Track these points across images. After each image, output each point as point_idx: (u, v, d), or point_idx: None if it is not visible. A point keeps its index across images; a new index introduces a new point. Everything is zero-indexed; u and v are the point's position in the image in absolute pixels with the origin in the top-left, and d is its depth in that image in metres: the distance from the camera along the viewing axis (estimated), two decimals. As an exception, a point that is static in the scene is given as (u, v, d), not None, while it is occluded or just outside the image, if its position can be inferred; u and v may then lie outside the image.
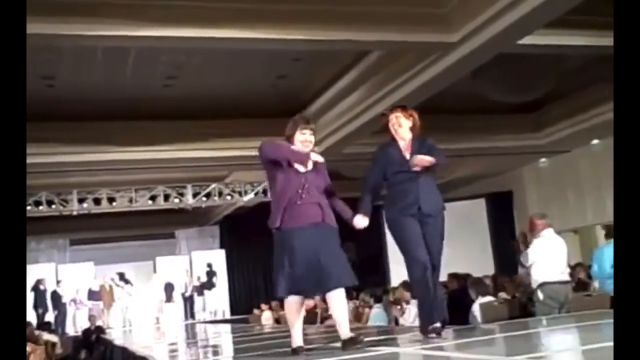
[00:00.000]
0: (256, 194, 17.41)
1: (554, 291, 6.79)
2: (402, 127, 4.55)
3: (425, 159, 4.33)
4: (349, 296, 12.99)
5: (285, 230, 4.11)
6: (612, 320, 5.28)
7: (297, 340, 4.23)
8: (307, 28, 8.76)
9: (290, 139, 4.39)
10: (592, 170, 15.78)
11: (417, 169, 4.36)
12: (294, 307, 4.29)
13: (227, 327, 12.78)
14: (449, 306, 7.01)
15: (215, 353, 6.96)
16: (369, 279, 18.22)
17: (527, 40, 9.17)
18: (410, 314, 8.61)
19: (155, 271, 20.46)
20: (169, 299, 19.84)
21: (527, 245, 7.10)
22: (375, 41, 9.29)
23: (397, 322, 9.33)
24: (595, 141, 15.46)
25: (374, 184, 4.63)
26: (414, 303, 7.92)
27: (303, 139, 4.35)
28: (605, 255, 7.26)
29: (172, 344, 9.08)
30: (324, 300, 14.31)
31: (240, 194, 17.37)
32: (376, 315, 10.00)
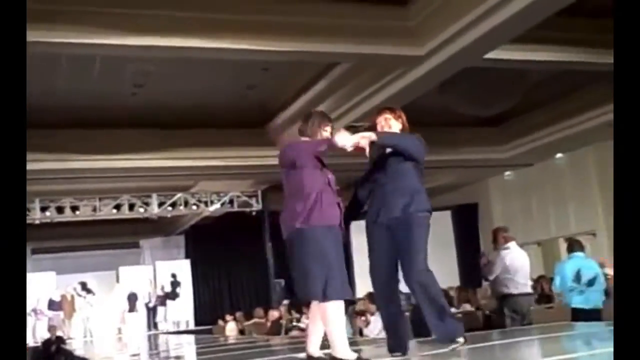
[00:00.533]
0: (222, 204, 17.32)
1: (516, 304, 6.88)
2: (392, 129, 4.28)
3: (351, 138, 3.92)
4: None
5: (317, 228, 3.78)
6: (572, 332, 5.35)
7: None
8: (275, 39, 8.76)
9: (313, 137, 4.04)
10: (556, 183, 16.03)
11: (349, 148, 3.92)
12: (342, 312, 3.87)
13: (191, 338, 12.66)
14: (415, 318, 7.05)
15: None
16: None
17: (492, 54, 9.30)
18: (376, 326, 8.61)
19: (118, 281, 20.19)
20: (131, 309, 19.59)
21: (488, 259, 7.19)
22: (343, 53, 9.33)
23: (361, 333, 9.34)
24: (558, 155, 15.71)
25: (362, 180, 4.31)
26: (379, 315, 7.94)
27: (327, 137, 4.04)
28: (567, 269, 7.37)
29: (135, 354, 8.96)
30: (290, 311, 14.30)
31: (206, 203, 17.27)
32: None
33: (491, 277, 7.02)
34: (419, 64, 9.61)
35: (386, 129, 4.28)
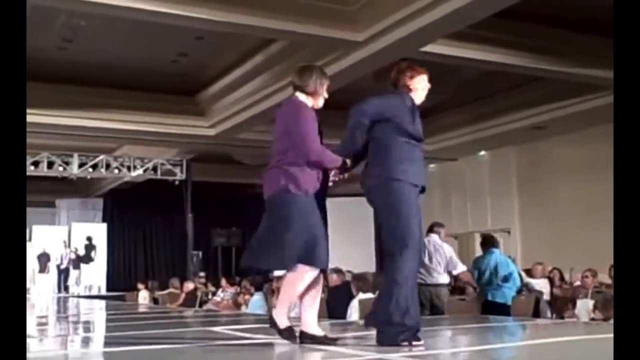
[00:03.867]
0: (145, 170, 17.02)
1: (431, 293, 7.05)
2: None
3: None
4: (232, 282, 12.95)
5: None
6: (484, 325, 5.52)
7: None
8: (212, 7, 8.64)
9: (313, 95, 3.80)
10: (476, 179, 16.45)
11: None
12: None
13: (102, 303, 12.44)
14: (330, 300, 7.14)
15: (87, 330, 6.75)
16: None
17: (428, 48, 9.43)
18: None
19: (30, 240, 19.59)
20: (42, 269, 19.06)
21: None
22: (281, 30, 9.28)
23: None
24: (482, 152, 16.12)
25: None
26: None
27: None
28: (485, 264, 7.58)
29: (42, 316, 8.75)
30: (206, 284, 14.22)
31: (129, 168, 16.93)
32: (255, 302, 10.01)
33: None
34: (356, 49, 9.66)
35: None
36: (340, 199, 13.18)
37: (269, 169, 3.73)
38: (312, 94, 3.80)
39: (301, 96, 3.80)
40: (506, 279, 7.46)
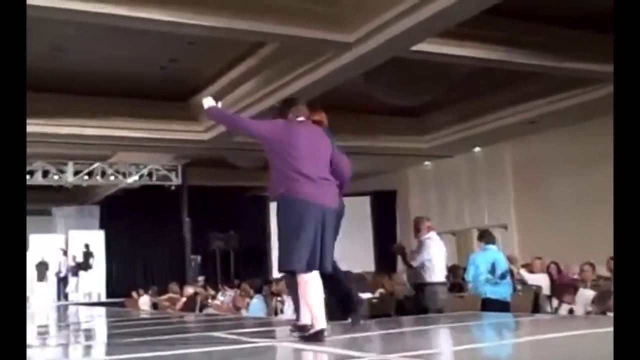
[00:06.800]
0: (141, 176, 17.02)
1: (432, 292, 7.08)
2: None
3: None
4: (231, 285, 12.97)
5: None
6: (482, 322, 5.56)
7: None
8: (201, 13, 8.64)
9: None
10: (472, 176, 16.49)
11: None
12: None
13: (102, 310, 12.44)
14: (330, 301, 7.14)
15: (88, 337, 6.76)
16: (250, 269, 18.29)
17: (419, 47, 9.45)
18: (290, 307, 8.71)
19: (28, 249, 19.58)
20: (41, 278, 19.05)
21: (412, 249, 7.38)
22: (271, 33, 9.27)
23: (276, 313, 9.42)
24: (476, 149, 16.16)
25: None
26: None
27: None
28: (483, 260, 7.62)
29: (43, 326, 8.75)
30: (205, 288, 14.24)
31: (124, 175, 16.94)
32: (255, 305, 10.05)
33: (415, 265, 7.18)
34: (347, 50, 9.67)
35: None
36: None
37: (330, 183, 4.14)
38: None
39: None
40: (504, 275, 7.50)
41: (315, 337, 3.74)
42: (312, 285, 3.84)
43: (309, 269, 3.82)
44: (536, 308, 7.60)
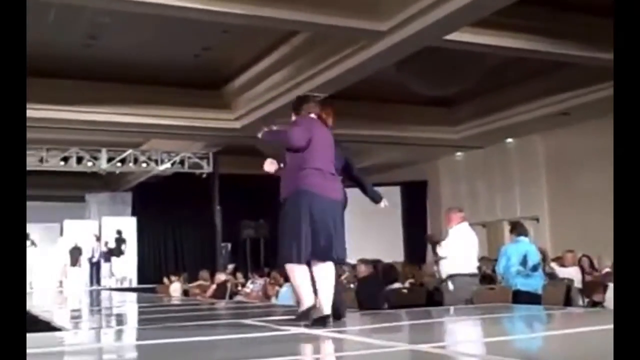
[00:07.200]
0: (173, 164, 17.17)
1: (465, 282, 7.04)
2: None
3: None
4: (261, 274, 13.03)
5: None
6: (512, 314, 5.53)
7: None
8: (237, 1, 8.67)
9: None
10: (504, 167, 16.34)
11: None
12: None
13: (134, 295, 12.61)
14: (360, 291, 7.16)
15: (120, 322, 6.87)
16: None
17: (453, 36, 9.38)
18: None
19: (62, 234, 19.89)
20: (74, 263, 19.35)
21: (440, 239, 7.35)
22: (305, 22, 9.28)
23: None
24: (508, 140, 16.00)
25: None
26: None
27: None
28: (514, 252, 7.55)
29: (75, 309, 8.90)
30: (235, 275, 14.36)
31: (156, 162, 17.09)
32: (284, 294, 10.09)
33: (445, 255, 7.16)
34: (380, 39, 9.62)
35: None
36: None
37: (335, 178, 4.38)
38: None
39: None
40: (535, 267, 7.43)
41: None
42: (327, 273, 4.07)
43: (324, 258, 4.05)
44: (568, 301, 7.52)
